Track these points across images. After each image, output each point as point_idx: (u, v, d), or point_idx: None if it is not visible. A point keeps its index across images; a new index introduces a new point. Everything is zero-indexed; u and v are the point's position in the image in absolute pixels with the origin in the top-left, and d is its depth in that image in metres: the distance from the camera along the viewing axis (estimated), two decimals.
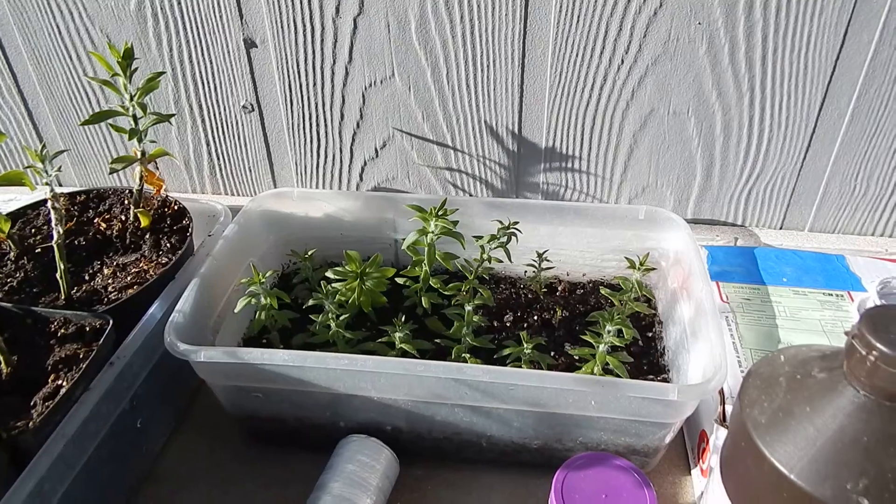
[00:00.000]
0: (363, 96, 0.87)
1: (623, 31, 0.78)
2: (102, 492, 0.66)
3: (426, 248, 0.74)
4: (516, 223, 0.76)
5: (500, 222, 0.76)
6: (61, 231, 0.69)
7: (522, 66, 0.82)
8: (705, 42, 0.78)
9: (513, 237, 0.76)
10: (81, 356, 0.64)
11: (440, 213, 0.72)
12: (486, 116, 0.86)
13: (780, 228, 0.93)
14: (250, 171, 0.95)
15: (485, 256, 0.77)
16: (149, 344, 0.69)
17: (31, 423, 0.56)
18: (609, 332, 0.68)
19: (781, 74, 0.80)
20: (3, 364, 0.62)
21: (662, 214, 0.80)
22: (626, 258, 0.75)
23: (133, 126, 0.74)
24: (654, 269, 0.77)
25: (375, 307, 0.77)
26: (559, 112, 0.84)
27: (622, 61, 0.80)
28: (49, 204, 0.68)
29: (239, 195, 0.98)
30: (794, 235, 0.93)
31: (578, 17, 0.78)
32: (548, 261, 0.83)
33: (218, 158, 0.95)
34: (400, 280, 0.80)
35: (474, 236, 0.77)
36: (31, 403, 0.60)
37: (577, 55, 0.80)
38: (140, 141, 0.76)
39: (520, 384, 0.61)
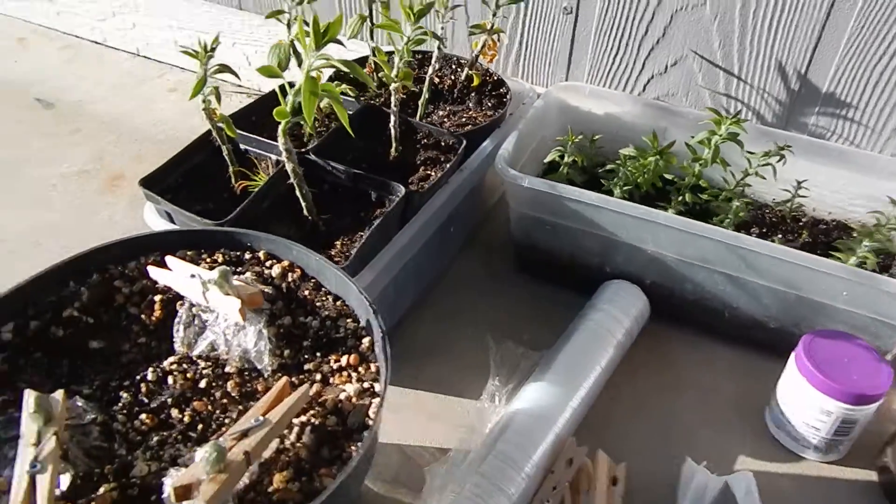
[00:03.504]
0: (671, 17, 1.00)
1: None
2: (418, 280, 0.87)
3: (710, 149, 0.87)
4: (789, 146, 0.88)
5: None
6: (430, 74, 0.90)
7: (828, 15, 0.92)
8: None
9: (782, 158, 0.88)
10: (443, 159, 0.84)
11: (734, 119, 0.85)
12: (778, 54, 0.97)
13: None
14: (550, 64, 1.12)
15: (750, 171, 0.90)
16: (480, 168, 0.89)
17: (419, 187, 0.78)
18: (865, 247, 0.79)
19: None
20: (393, 150, 0.84)
21: None
22: (889, 197, 0.85)
23: (496, 1, 0.93)
24: None
25: (648, 191, 0.92)
26: (849, 62, 0.94)
27: None
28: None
29: (533, 83, 1.15)
30: None
31: None
32: (799, 195, 0.94)
33: (526, 48, 1.13)
34: (668, 176, 0.94)
35: (748, 151, 0.89)
36: (409, 181, 0.81)
37: (882, 13, 0.89)
38: (494, 14, 0.95)
39: (786, 260, 0.74)
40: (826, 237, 0.94)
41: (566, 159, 0.91)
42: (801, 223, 0.96)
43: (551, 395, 0.72)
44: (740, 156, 0.88)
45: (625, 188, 0.89)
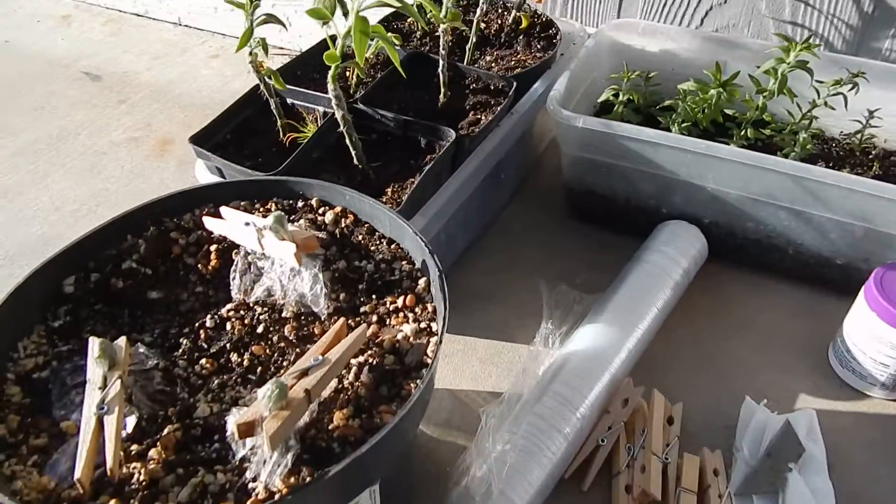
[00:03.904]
0: None
1: None
2: (468, 227, 0.86)
3: (776, 79, 0.82)
4: (863, 73, 0.82)
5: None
6: (477, 17, 0.87)
7: None
8: None
9: (855, 87, 0.83)
10: (493, 103, 0.82)
11: (805, 45, 0.80)
12: None
13: None
14: (600, 1, 1.08)
15: (818, 102, 0.85)
16: (531, 111, 0.86)
17: (469, 132, 0.76)
18: None
19: None
20: (442, 95, 0.82)
21: None
22: None
23: None
24: None
25: (707, 129, 0.88)
26: None
27: None
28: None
29: (584, 23, 1.11)
30: None
31: None
32: (870, 126, 0.89)
33: None
34: (729, 111, 0.90)
35: (816, 80, 0.84)
36: (458, 126, 0.79)
37: None
38: None
39: (859, 190, 0.70)
40: None
41: (621, 98, 0.88)
42: (871, 156, 0.91)
43: (606, 336, 0.71)
44: (807, 87, 0.83)
45: (683, 125, 0.86)
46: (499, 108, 0.80)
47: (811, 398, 0.72)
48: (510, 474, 0.60)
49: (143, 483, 0.45)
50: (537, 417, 0.64)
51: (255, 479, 0.44)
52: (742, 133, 0.85)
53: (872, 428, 0.70)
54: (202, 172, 0.82)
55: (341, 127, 0.71)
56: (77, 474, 0.43)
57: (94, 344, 0.49)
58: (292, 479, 0.44)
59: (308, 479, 0.43)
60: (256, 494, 0.44)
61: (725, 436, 0.69)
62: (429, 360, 0.51)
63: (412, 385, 0.49)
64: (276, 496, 0.42)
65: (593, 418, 0.67)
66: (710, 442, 0.68)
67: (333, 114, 0.76)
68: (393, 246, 0.61)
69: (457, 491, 0.60)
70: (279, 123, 0.82)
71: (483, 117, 0.81)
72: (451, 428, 0.72)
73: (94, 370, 0.49)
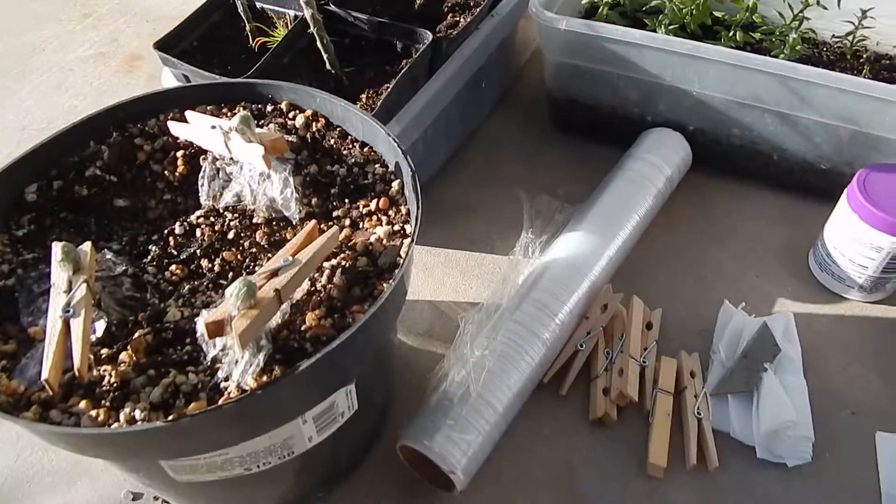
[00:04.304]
0: None
1: None
2: (448, 138, 0.84)
3: None
4: None
5: None
6: None
7: None
8: None
9: None
10: (472, 4, 0.78)
11: None
12: None
13: None
14: None
15: (811, 1, 0.82)
16: (512, 14, 0.83)
17: (447, 34, 0.73)
18: None
19: None
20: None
21: None
22: None
23: None
24: None
25: (694, 32, 0.85)
26: None
27: None
28: None
29: None
30: None
31: None
32: (863, 26, 0.86)
33: None
34: (718, 13, 0.87)
35: None
36: (436, 29, 0.76)
37: None
38: None
39: (847, 90, 0.68)
40: (889, 72, 0.86)
41: (606, 0, 0.84)
42: (861, 59, 0.88)
43: (587, 243, 0.70)
44: None
45: (670, 27, 0.83)
46: (478, 10, 0.77)
47: (790, 302, 0.73)
48: (488, 378, 0.60)
49: (114, 385, 0.44)
50: (516, 324, 0.63)
51: (227, 379, 0.44)
52: (731, 35, 0.82)
53: (849, 330, 0.70)
54: (169, 81, 0.78)
55: (311, 28, 0.68)
56: (45, 374, 0.42)
57: (56, 248, 0.48)
58: (264, 378, 0.43)
59: (279, 375, 0.43)
60: (229, 393, 0.43)
61: (703, 340, 0.70)
62: (401, 261, 0.50)
63: (385, 286, 0.48)
64: (248, 392, 0.41)
65: (572, 324, 0.67)
66: (688, 346, 0.69)
67: (303, 17, 0.73)
68: (366, 149, 0.59)
69: (436, 394, 0.60)
70: (248, 28, 0.79)
71: (462, 19, 0.77)
72: (432, 338, 0.72)
73: (59, 274, 0.47)
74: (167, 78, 0.79)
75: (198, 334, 0.44)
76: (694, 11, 0.81)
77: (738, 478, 0.60)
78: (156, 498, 0.62)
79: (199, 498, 0.56)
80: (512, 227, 0.81)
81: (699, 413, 0.62)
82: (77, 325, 0.45)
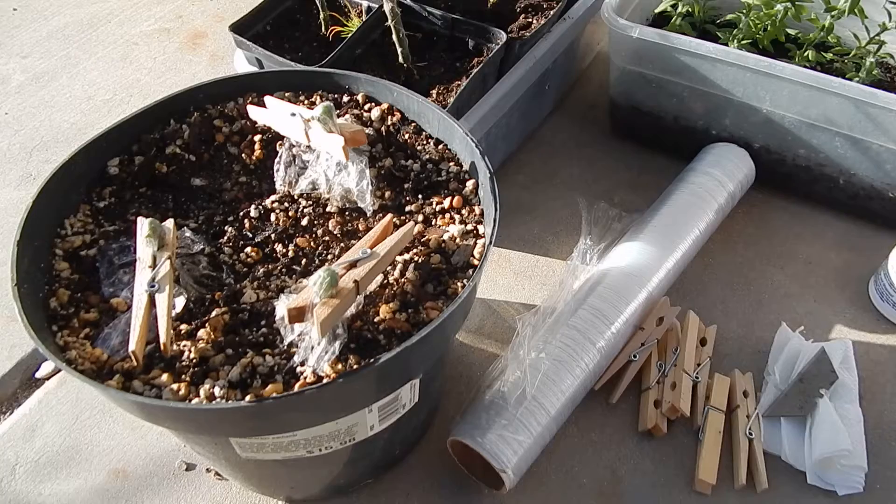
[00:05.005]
0: None
1: None
2: (508, 138, 0.84)
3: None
4: None
5: None
6: None
7: None
8: None
9: None
10: (545, 7, 0.79)
11: None
12: None
13: None
14: None
15: (889, 25, 0.80)
16: (584, 17, 0.83)
17: (520, 35, 0.73)
18: None
19: None
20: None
21: None
22: None
23: None
24: None
25: (766, 48, 0.84)
26: None
27: None
28: None
29: None
30: None
31: None
32: None
33: None
34: (791, 31, 0.86)
35: (889, 1, 0.79)
36: (508, 29, 0.76)
37: None
38: None
39: None
40: None
41: (680, 9, 0.83)
42: None
43: (646, 254, 0.70)
44: (878, 10, 0.79)
45: (743, 41, 0.82)
46: (551, 13, 0.77)
47: (847, 329, 0.72)
48: (543, 381, 0.60)
49: (194, 360, 0.46)
50: (572, 329, 0.64)
51: (302, 364, 0.45)
52: (804, 54, 0.81)
53: None
54: (241, 63, 0.80)
55: (389, 21, 0.69)
56: (132, 346, 0.43)
57: (143, 223, 0.49)
58: (339, 366, 0.44)
59: (356, 365, 0.44)
60: (305, 378, 0.44)
61: (757, 360, 0.69)
62: (476, 261, 0.50)
63: (458, 284, 0.49)
64: (325, 380, 0.42)
65: (627, 334, 0.67)
66: (742, 365, 0.69)
67: (379, 8, 0.73)
68: (441, 146, 0.59)
69: (490, 393, 0.61)
70: (322, 16, 0.80)
71: (535, 21, 0.77)
72: (483, 335, 0.73)
73: (144, 249, 0.49)
74: (239, 60, 0.80)
75: (277, 318, 0.45)
76: (769, 27, 0.80)
77: (786, 501, 0.60)
78: (208, 470, 0.64)
79: (254, 475, 0.58)
80: (566, 231, 0.81)
81: (751, 433, 0.62)
82: (162, 301, 0.46)
